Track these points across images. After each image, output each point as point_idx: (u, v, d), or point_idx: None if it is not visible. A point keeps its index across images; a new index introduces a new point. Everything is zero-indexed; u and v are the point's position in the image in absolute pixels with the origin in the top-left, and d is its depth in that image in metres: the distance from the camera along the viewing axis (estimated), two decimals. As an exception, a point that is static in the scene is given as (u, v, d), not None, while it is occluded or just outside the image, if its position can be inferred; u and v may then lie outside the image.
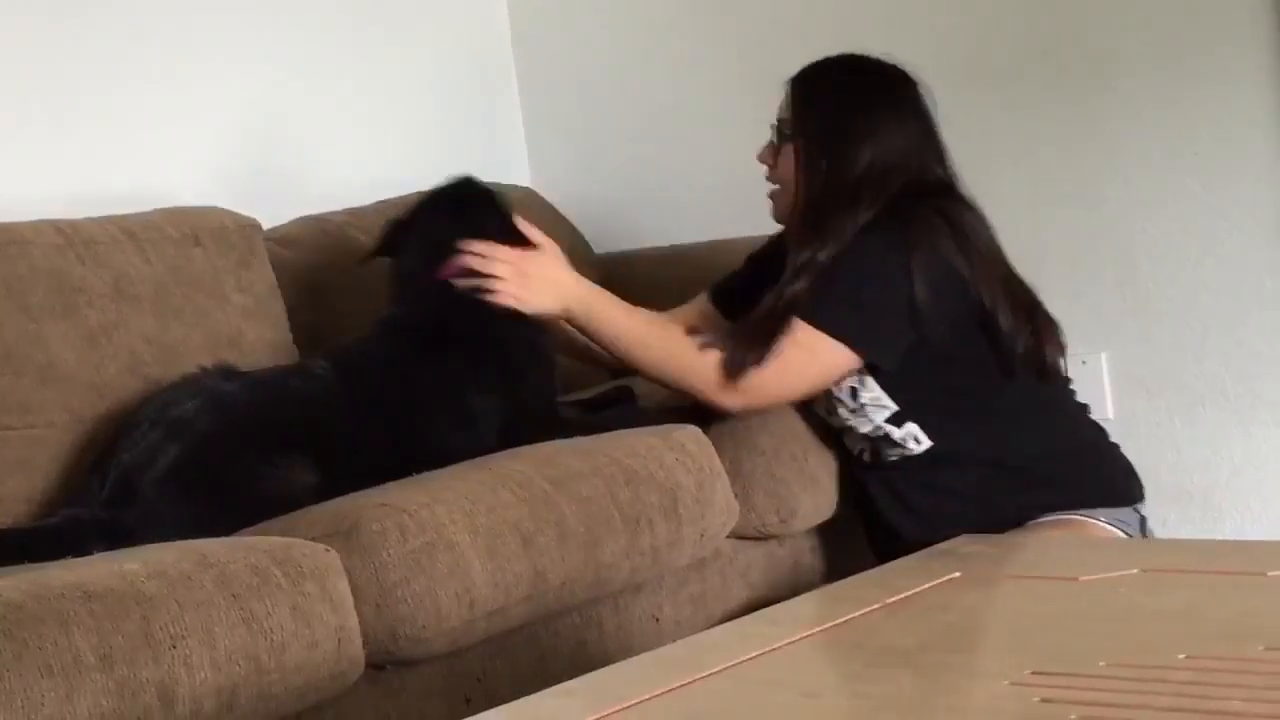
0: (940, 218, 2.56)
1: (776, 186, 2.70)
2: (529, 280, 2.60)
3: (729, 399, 2.56)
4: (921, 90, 2.67)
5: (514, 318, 2.65)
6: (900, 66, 2.67)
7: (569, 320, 2.64)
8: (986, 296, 2.54)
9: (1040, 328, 2.60)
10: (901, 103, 2.65)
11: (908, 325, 2.52)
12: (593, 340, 2.66)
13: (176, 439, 2.43)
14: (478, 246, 2.60)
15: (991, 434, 2.58)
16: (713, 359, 2.56)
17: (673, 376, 2.60)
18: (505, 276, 2.59)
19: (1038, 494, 2.56)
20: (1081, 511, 2.55)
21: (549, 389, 2.74)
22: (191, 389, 2.55)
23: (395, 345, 2.67)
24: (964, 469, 2.54)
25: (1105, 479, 2.62)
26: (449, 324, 2.66)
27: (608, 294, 2.64)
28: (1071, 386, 2.71)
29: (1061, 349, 2.63)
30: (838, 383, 2.60)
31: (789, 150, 2.65)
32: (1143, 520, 2.63)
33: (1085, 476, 2.61)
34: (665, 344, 2.59)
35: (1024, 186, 3.33)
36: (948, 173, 2.68)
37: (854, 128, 2.61)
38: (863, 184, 2.57)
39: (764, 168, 2.72)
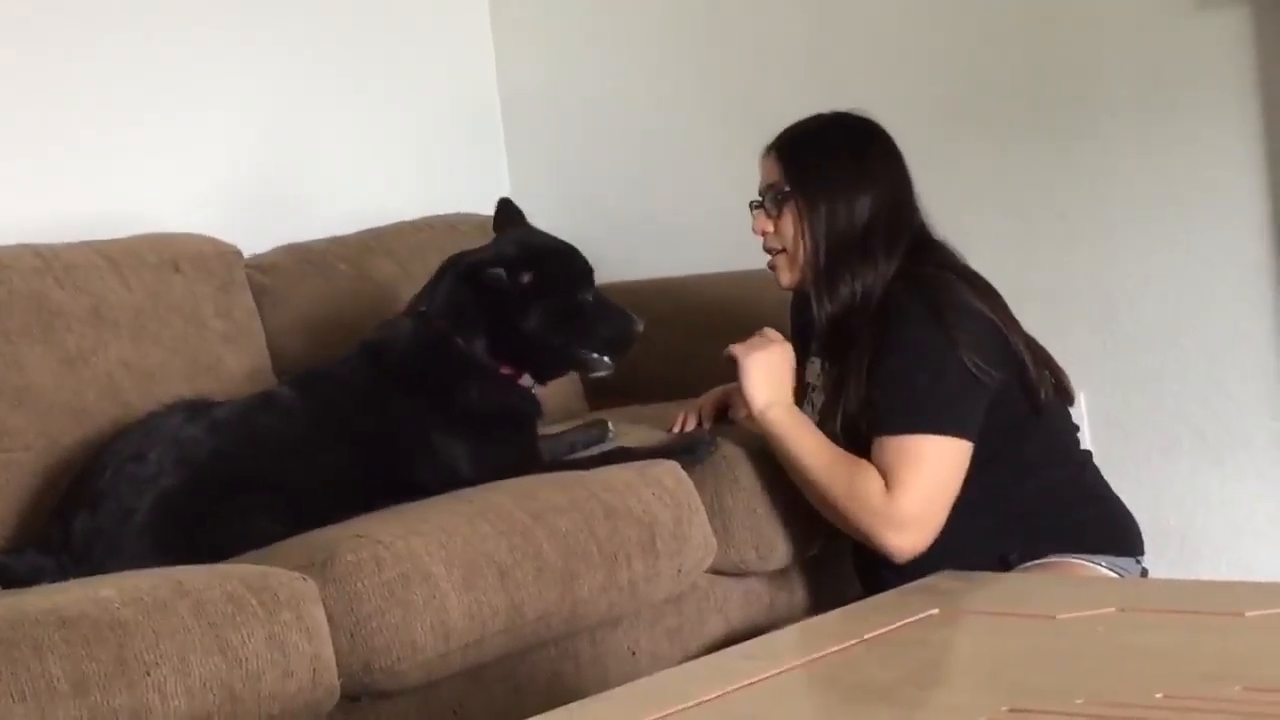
0: (955, 274, 2.59)
1: (781, 253, 2.68)
2: (767, 366, 2.61)
3: (899, 538, 2.50)
4: (892, 139, 2.69)
5: (496, 377, 2.66)
6: (870, 118, 2.70)
7: (763, 421, 2.62)
8: (1014, 338, 2.56)
9: (1051, 364, 2.63)
10: (884, 153, 2.68)
11: (983, 391, 2.52)
12: (774, 451, 2.64)
13: (141, 496, 2.42)
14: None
15: (1011, 478, 2.58)
16: (875, 486, 2.51)
17: (843, 512, 2.55)
18: (759, 349, 2.62)
19: (1043, 538, 2.56)
20: (1084, 557, 2.55)
21: (523, 441, 2.71)
22: (154, 436, 2.51)
23: (368, 373, 2.66)
24: (975, 511, 2.53)
25: (1109, 527, 2.63)
26: (427, 363, 2.65)
27: (803, 415, 2.63)
28: (1078, 433, 2.72)
29: (1064, 372, 2.65)
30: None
31: (787, 213, 2.65)
32: (1144, 572, 2.63)
33: (1094, 523, 2.61)
34: (839, 470, 2.55)
35: (1005, 227, 3.33)
36: (926, 219, 2.70)
37: (849, 179, 2.63)
38: (872, 234, 2.60)
39: (760, 237, 2.70)
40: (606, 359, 2.72)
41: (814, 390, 2.71)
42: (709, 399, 2.84)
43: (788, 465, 2.62)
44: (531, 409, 2.73)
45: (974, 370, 2.49)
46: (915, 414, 2.50)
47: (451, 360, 2.65)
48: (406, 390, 2.62)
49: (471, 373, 2.65)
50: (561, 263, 2.74)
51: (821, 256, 2.60)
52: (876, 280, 2.59)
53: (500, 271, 2.65)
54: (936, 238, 2.69)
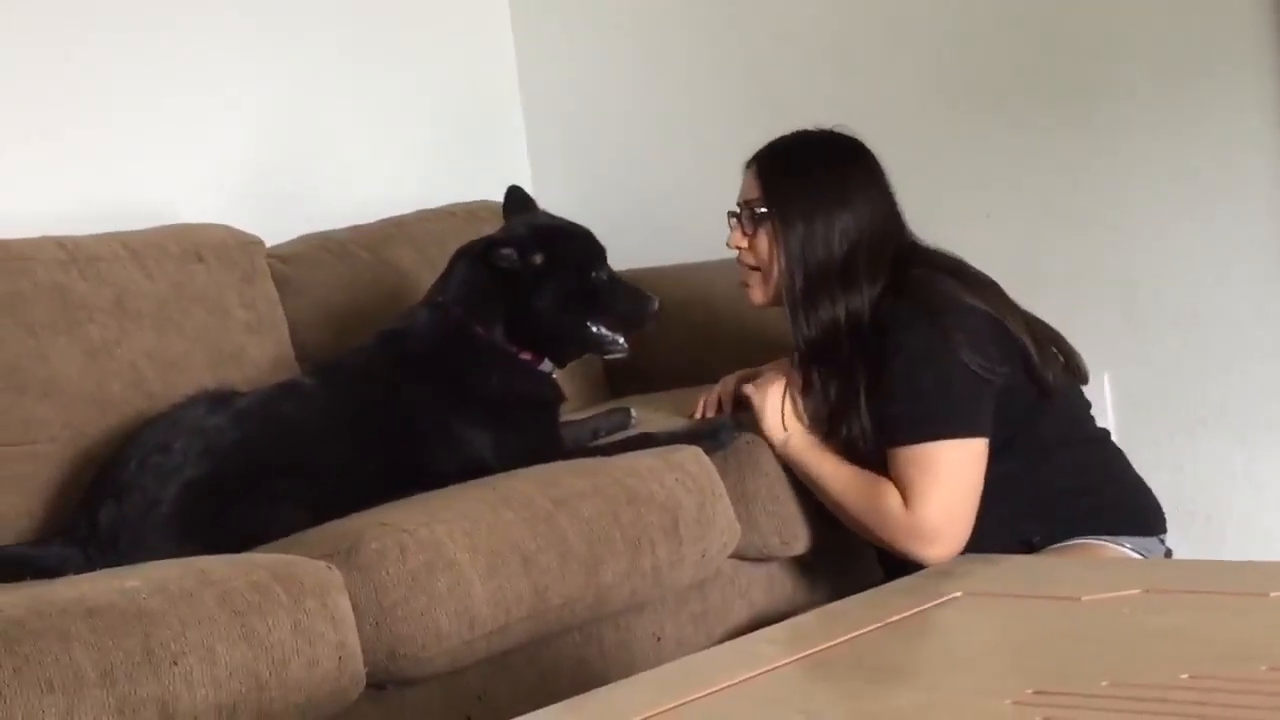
0: (945, 274, 2.57)
1: (754, 271, 2.67)
2: (775, 404, 2.63)
3: (928, 550, 2.48)
4: (875, 156, 2.66)
5: (515, 362, 2.66)
6: (853, 135, 2.67)
7: (784, 456, 2.65)
8: (1015, 328, 2.54)
9: (1061, 344, 2.62)
10: (865, 171, 2.64)
11: (988, 387, 2.51)
12: (801, 479, 2.66)
13: (166, 486, 2.43)
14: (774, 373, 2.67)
15: (1028, 462, 2.57)
16: (895, 502, 2.52)
17: (872, 530, 2.56)
18: (765, 388, 2.65)
19: (1066, 521, 2.55)
20: (1108, 538, 2.54)
21: (545, 426, 2.71)
22: (178, 426, 2.52)
23: (388, 363, 2.67)
24: (995, 497, 2.53)
25: (1131, 507, 2.62)
26: (446, 351, 2.66)
27: (822, 444, 2.64)
28: (1092, 411, 2.72)
29: (1076, 353, 2.65)
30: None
31: (763, 232, 2.63)
32: (1168, 553, 2.62)
33: (1113, 504, 2.60)
34: (860, 490, 2.56)
35: (1025, 209, 3.33)
36: (910, 233, 2.68)
37: (829, 201, 2.59)
38: (853, 258, 2.57)
39: (739, 252, 2.68)
40: (621, 340, 2.72)
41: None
42: (728, 384, 2.84)
43: (814, 490, 2.65)
44: (552, 394, 2.73)
45: (977, 369, 2.47)
46: (924, 421, 2.49)
47: (470, 348, 2.66)
48: (426, 379, 2.62)
49: (491, 359, 2.66)
50: (573, 242, 2.74)
51: (799, 280, 2.58)
52: (863, 303, 2.56)
53: (511, 251, 2.65)
54: (922, 245, 2.66)
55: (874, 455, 2.56)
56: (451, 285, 2.71)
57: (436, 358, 2.65)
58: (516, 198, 2.86)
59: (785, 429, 2.64)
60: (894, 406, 2.51)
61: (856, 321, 2.56)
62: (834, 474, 2.60)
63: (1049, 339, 2.62)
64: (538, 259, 2.67)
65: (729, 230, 2.68)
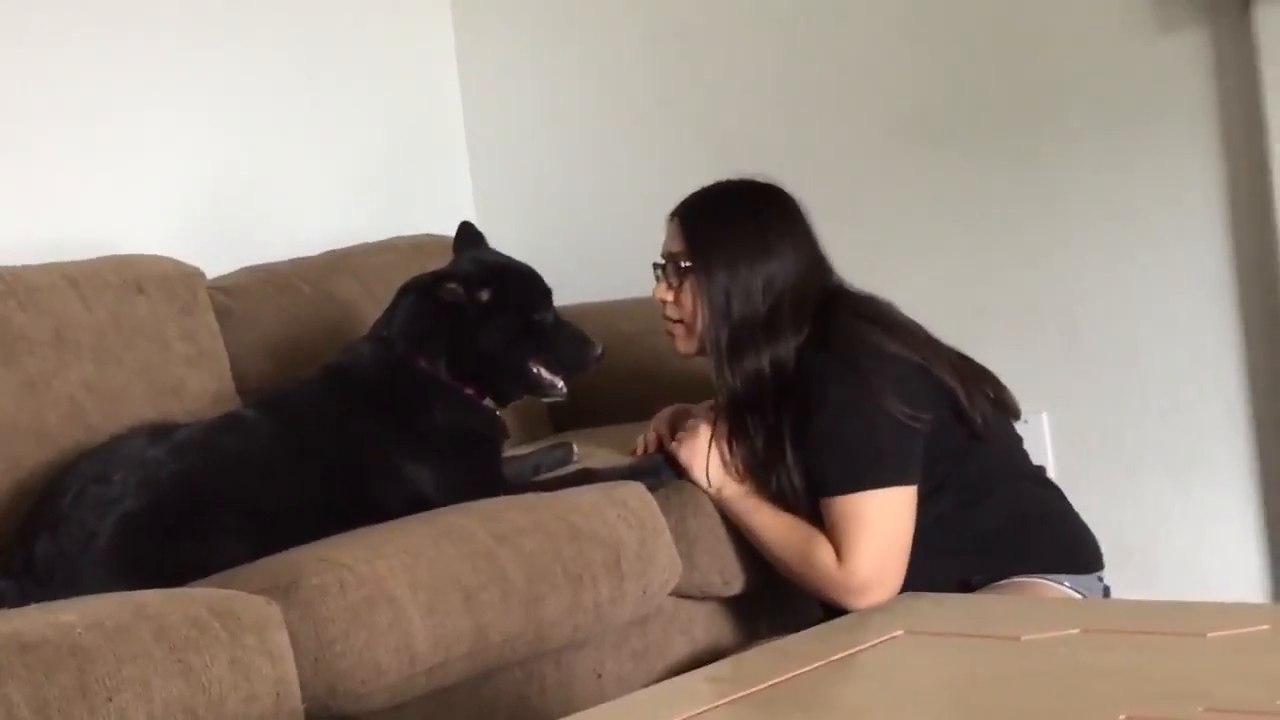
0: (868, 322, 2.57)
1: (678, 323, 2.67)
2: (701, 455, 2.63)
3: (861, 602, 2.47)
4: (797, 202, 2.66)
5: (459, 397, 2.65)
6: (772, 183, 2.67)
7: (718, 500, 2.65)
8: (941, 373, 2.55)
9: (989, 383, 2.63)
10: (786, 219, 2.64)
11: (915, 435, 2.51)
12: (734, 522, 2.65)
13: (104, 519, 2.40)
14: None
15: (961, 503, 2.57)
16: (828, 558, 2.52)
17: (798, 576, 2.56)
18: (689, 441, 2.64)
19: (1005, 559, 2.56)
20: (1048, 577, 2.55)
21: (487, 462, 2.70)
22: (117, 458, 2.50)
23: (331, 396, 2.66)
24: (932, 539, 2.53)
25: (1068, 545, 2.63)
26: (390, 384, 2.65)
27: (754, 493, 2.64)
28: (1025, 448, 2.73)
29: (1007, 390, 2.66)
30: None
31: (687, 286, 2.63)
32: (1106, 589, 2.64)
33: (1051, 541, 2.61)
34: (793, 544, 2.55)
35: (967, 245, 3.35)
36: (836, 275, 2.68)
37: (750, 252, 2.59)
38: (778, 308, 2.57)
39: (663, 304, 2.68)
40: (560, 384, 2.72)
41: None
42: (662, 419, 2.83)
43: (750, 539, 2.65)
44: (495, 431, 2.72)
45: (902, 418, 2.48)
46: (852, 473, 2.49)
47: (414, 382, 2.65)
48: (370, 412, 2.61)
49: (435, 394, 2.65)
50: (519, 281, 2.74)
51: (723, 333, 2.58)
52: (788, 351, 2.57)
53: (457, 287, 2.65)
54: (848, 289, 2.66)
55: (805, 506, 2.56)
56: (397, 319, 2.70)
57: (380, 391, 2.64)
58: (468, 233, 2.86)
59: (711, 482, 2.63)
60: (821, 459, 2.52)
61: (780, 370, 2.57)
62: (768, 525, 2.60)
63: (978, 378, 2.63)
64: (483, 295, 2.67)
65: (655, 281, 2.68)
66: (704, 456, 2.63)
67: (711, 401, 2.70)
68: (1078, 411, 3.26)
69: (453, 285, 2.65)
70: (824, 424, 2.51)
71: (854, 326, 2.56)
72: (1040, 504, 2.66)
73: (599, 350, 2.73)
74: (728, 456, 2.63)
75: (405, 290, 2.74)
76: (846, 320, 2.57)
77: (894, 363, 2.52)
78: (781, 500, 2.59)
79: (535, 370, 2.70)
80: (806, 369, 2.55)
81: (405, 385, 2.65)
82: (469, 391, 2.68)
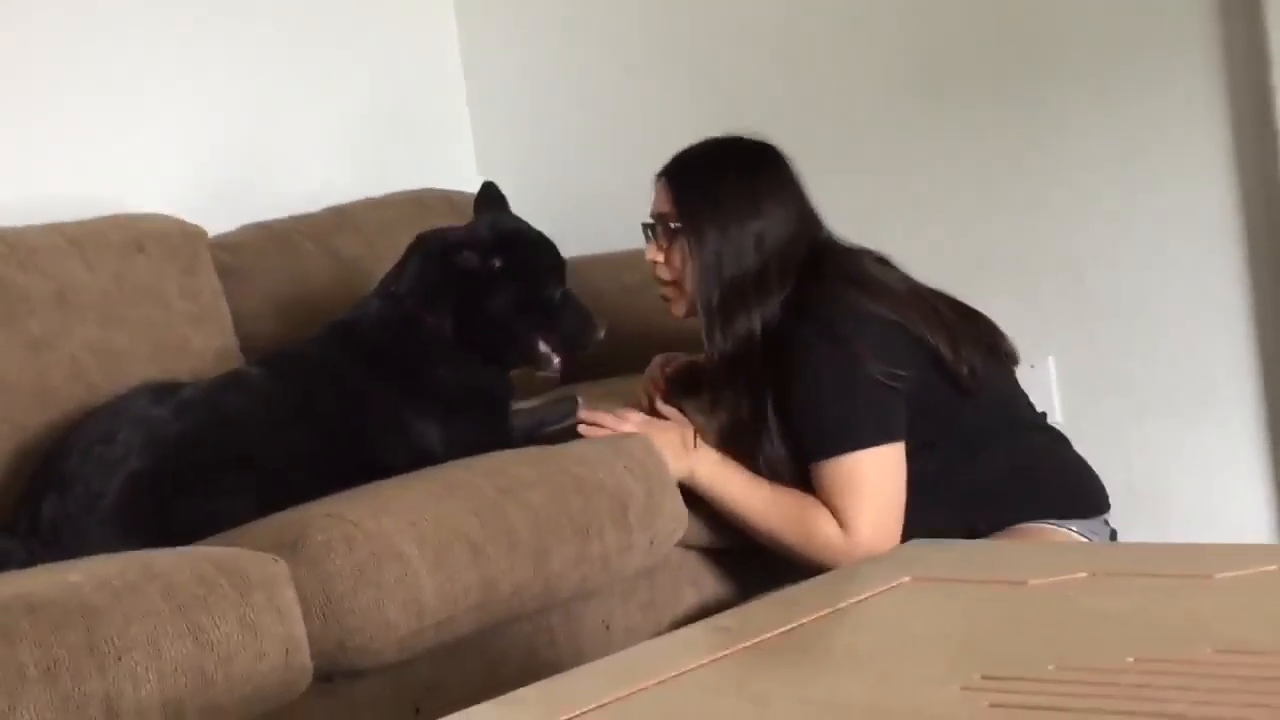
0: (846, 283, 2.55)
1: (671, 285, 2.66)
2: (670, 442, 2.60)
3: (861, 557, 2.46)
4: (786, 157, 2.65)
5: (466, 356, 2.65)
6: (761, 139, 2.66)
7: (694, 486, 2.61)
8: (922, 330, 2.54)
9: (985, 332, 2.62)
10: (775, 176, 2.63)
11: (897, 392, 2.51)
12: (713, 505, 2.62)
13: (110, 479, 2.40)
14: (604, 418, 2.62)
15: (960, 455, 2.58)
16: (831, 530, 2.51)
17: (798, 550, 2.55)
18: (658, 432, 2.61)
19: (1009, 507, 2.56)
20: (1053, 522, 2.56)
21: (494, 421, 2.70)
22: (121, 417, 2.50)
23: (337, 353, 2.65)
24: (935, 490, 2.53)
25: (1073, 490, 2.63)
26: (398, 341, 2.64)
27: (732, 464, 2.61)
28: (1028, 396, 2.72)
29: (1005, 337, 2.65)
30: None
31: (677, 247, 2.62)
32: (1113, 532, 2.64)
33: (1054, 488, 2.62)
34: (789, 519, 2.55)
35: (969, 193, 3.34)
36: (826, 230, 2.67)
37: (739, 211, 2.58)
38: (767, 267, 2.56)
39: (654, 266, 2.68)
40: (556, 361, 2.72)
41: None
42: (655, 368, 2.81)
43: (732, 517, 2.62)
44: (502, 389, 2.72)
45: (881, 377, 2.48)
46: (839, 434, 2.50)
47: (420, 339, 2.64)
48: (376, 369, 2.61)
49: (440, 353, 2.64)
50: (534, 252, 2.74)
51: (715, 294, 2.57)
52: (773, 311, 2.56)
53: (473, 255, 2.64)
54: (837, 244, 2.65)
55: (792, 474, 2.55)
56: (407, 276, 2.70)
57: (386, 347, 2.64)
58: (489, 194, 2.84)
59: (686, 470, 2.60)
60: (806, 424, 2.53)
61: (768, 328, 2.56)
62: (755, 496, 2.57)
63: (972, 327, 2.61)
64: (496, 263, 2.66)
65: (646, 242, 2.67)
66: (671, 443, 2.60)
67: (700, 356, 2.68)
68: (1084, 356, 3.26)
69: (468, 254, 2.64)
70: (805, 390, 2.52)
71: (829, 290, 2.54)
72: (1041, 452, 2.66)
73: (601, 332, 2.72)
74: (692, 435, 2.61)
75: (417, 248, 2.73)
76: (825, 283, 2.56)
77: (869, 322, 2.51)
78: (769, 469, 2.58)
79: (537, 344, 2.70)
80: (785, 335, 2.54)
81: (411, 342, 2.64)
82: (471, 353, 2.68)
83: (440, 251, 2.67)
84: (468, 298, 2.65)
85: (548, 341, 2.71)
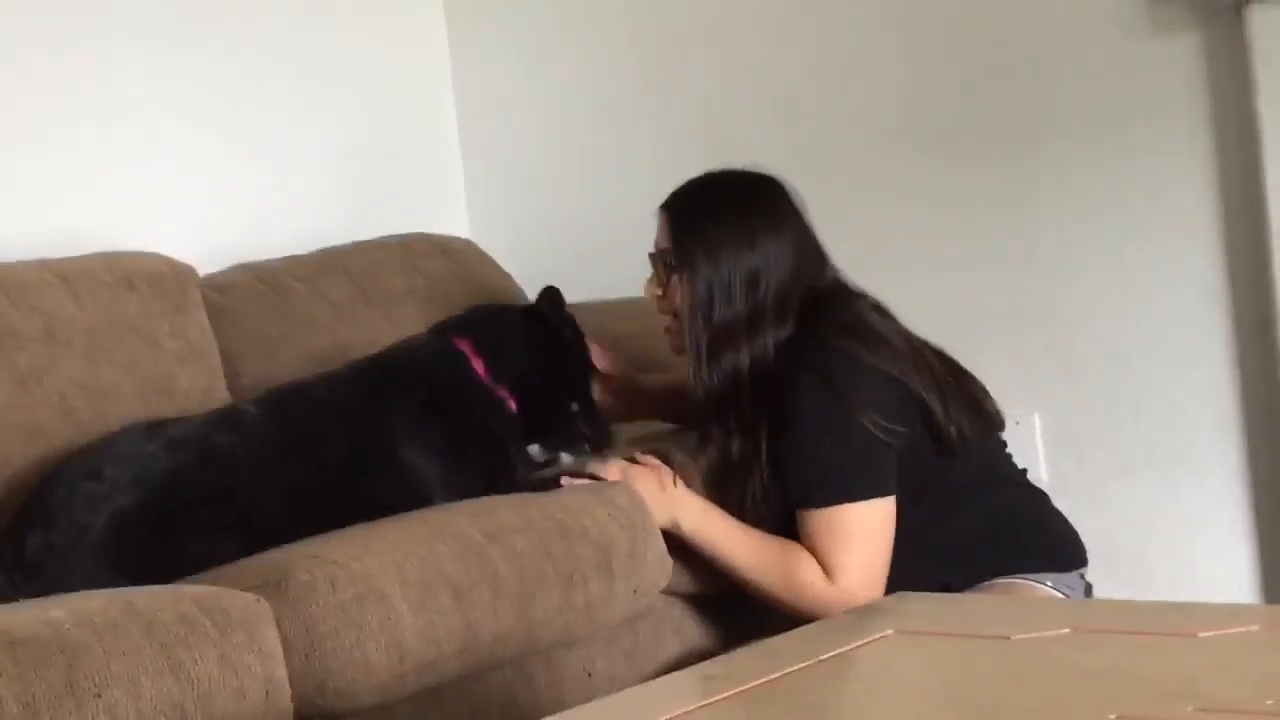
0: (847, 332, 2.54)
1: (671, 319, 2.65)
2: (652, 490, 2.58)
3: (845, 606, 2.43)
4: (790, 192, 2.64)
5: (466, 387, 2.66)
6: (764, 172, 2.64)
7: (680, 537, 2.59)
8: (919, 388, 2.54)
9: (972, 391, 2.62)
10: (773, 211, 2.61)
11: (889, 450, 2.51)
12: (696, 550, 2.60)
13: (96, 514, 2.40)
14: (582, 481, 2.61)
15: (937, 510, 2.57)
16: (816, 577, 2.50)
17: (781, 596, 2.53)
18: (639, 479, 2.59)
19: (984, 561, 2.56)
20: (1028, 576, 2.55)
21: (498, 459, 2.69)
22: (110, 453, 2.50)
23: (334, 388, 2.65)
24: (910, 546, 2.53)
25: (1049, 544, 2.63)
26: (397, 374, 2.65)
27: (716, 510, 2.59)
28: (1008, 451, 2.72)
29: (991, 399, 2.65)
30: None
31: (675, 282, 2.61)
32: (1088, 587, 2.64)
33: (1030, 541, 2.61)
34: (773, 566, 2.53)
35: (958, 247, 3.35)
36: (831, 269, 2.66)
37: (734, 247, 2.56)
38: (761, 306, 2.55)
39: (655, 300, 2.68)
40: (537, 451, 2.74)
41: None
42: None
43: (716, 563, 2.60)
44: (516, 432, 2.73)
45: (876, 431, 2.48)
46: (830, 485, 2.49)
47: (463, 375, 2.67)
48: (389, 404, 2.61)
49: (474, 391, 2.66)
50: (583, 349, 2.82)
51: (705, 331, 2.55)
52: (767, 349, 2.55)
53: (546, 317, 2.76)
54: (841, 287, 2.64)
55: (778, 516, 2.55)
56: (467, 320, 2.77)
57: (424, 378, 2.67)
58: (552, 298, 2.83)
59: (672, 512, 2.59)
60: (799, 472, 2.52)
61: (759, 367, 2.55)
62: (739, 549, 2.55)
63: (961, 385, 2.61)
64: (567, 333, 2.79)
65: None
66: (654, 491, 2.58)
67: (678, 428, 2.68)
68: (1069, 413, 3.26)
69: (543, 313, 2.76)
70: (800, 437, 2.51)
71: (829, 341, 2.53)
72: (1017, 506, 2.65)
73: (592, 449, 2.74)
74: (676, 483, 2.60)
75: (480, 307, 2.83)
76: (825, 330, 2.55)
77: (870, 376, 2.51)
78: (753, 510, 2.57)
79: (578, 422, 2.76)
80: (781, 378, 2.54)
81: (452, 374, 2.68)
82: (501, 394, 2.69)
83: (507, 307, 2.75)
84: (532, 352, 2.71)
85: (560, 425, 2.75)
